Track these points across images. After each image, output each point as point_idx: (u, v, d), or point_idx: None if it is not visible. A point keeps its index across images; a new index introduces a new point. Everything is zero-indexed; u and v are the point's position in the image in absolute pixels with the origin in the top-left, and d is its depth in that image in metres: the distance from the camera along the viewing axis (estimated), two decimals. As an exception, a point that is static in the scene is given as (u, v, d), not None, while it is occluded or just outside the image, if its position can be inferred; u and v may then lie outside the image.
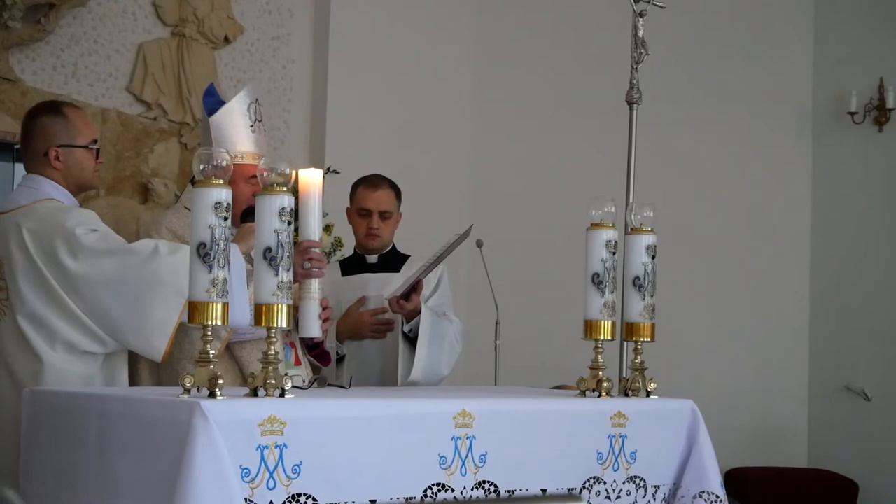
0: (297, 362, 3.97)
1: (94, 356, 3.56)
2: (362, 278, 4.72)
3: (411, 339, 4.51)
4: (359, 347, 4.59)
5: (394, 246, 4.82)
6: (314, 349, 4.09)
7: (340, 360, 4.53)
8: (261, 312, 2.90)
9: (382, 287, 4.63)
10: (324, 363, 4.17)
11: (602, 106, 6.78)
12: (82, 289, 3.47)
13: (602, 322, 3.61)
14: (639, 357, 3.72)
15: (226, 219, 2.88)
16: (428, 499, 3.05)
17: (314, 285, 3.59)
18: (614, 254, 3.64)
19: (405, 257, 4.81)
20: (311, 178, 3.57)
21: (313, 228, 3.60)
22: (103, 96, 5.90)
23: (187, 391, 2.81)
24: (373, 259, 4.77)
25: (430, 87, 7.15)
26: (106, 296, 3.46)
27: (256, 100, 4.01)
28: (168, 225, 3.90)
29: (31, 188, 3.70)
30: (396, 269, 4.74)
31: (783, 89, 7.48)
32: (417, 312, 4.49)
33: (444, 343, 4.54)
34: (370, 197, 4.71)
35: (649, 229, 3.75)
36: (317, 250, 3.59)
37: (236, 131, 3.93)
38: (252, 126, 3.95)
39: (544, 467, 3.32)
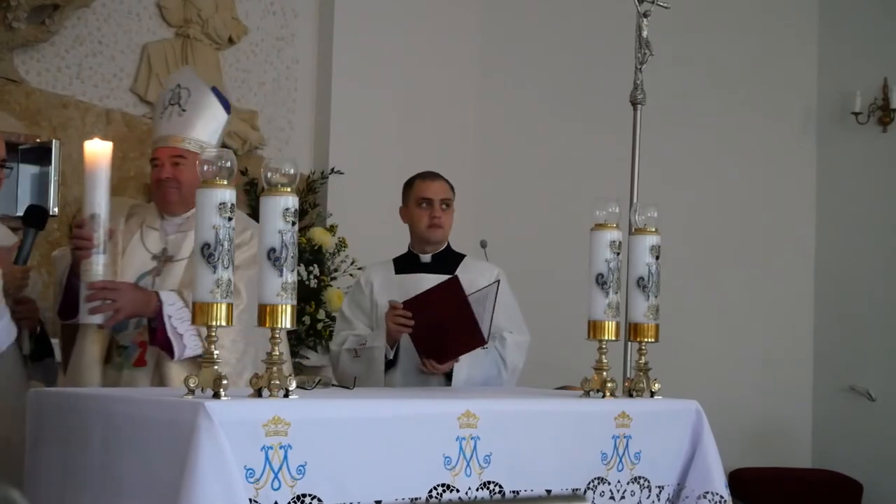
0: (142, 362, 3.71)
1: None
2: (416, 278, 4.51)
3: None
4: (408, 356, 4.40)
5: (448, 244, 4.63)
6: (155, 335, 3.61)
7: (391, 363, 4.36)
8: (265, 313, 2.89)
9: None
10: (169, 354, 3.61)
11: (606, 106, 6.77)
12: None
13: (606, 322, 3.61)
14: (643, 357, 3.72)
15: (230, 219, 2.88)
16: (433, 499, 3.05)
17: (86, 266, 3.44)
18: (618, 254, 3.64)
19: (461, 257, 4.62)
20: (98, 150, 3.46)
21: (99, 202, 3.47)
22: (107, 97, 5.91)
23: (191, 392, 2.81)
24: (426, 258, 4.56)
25: (434, 88, 7.15)
26: None
27: (178, 84, 3.88)
28: None
29: None
30: (451, 269, 4.51)
31: (787, 89, 7.47)
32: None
33: (487, 382, 4.38)
34: (430, 187, 4.54)
35: (653, 230, 3.75)
36: (99, 228, 3.44)
37: (156, 123, 3.92)
38: (164, 112, 3.85)
39: (549, 468, 3.31)
